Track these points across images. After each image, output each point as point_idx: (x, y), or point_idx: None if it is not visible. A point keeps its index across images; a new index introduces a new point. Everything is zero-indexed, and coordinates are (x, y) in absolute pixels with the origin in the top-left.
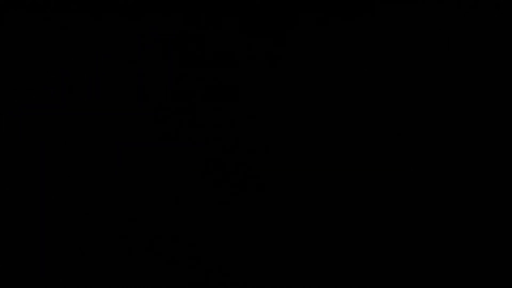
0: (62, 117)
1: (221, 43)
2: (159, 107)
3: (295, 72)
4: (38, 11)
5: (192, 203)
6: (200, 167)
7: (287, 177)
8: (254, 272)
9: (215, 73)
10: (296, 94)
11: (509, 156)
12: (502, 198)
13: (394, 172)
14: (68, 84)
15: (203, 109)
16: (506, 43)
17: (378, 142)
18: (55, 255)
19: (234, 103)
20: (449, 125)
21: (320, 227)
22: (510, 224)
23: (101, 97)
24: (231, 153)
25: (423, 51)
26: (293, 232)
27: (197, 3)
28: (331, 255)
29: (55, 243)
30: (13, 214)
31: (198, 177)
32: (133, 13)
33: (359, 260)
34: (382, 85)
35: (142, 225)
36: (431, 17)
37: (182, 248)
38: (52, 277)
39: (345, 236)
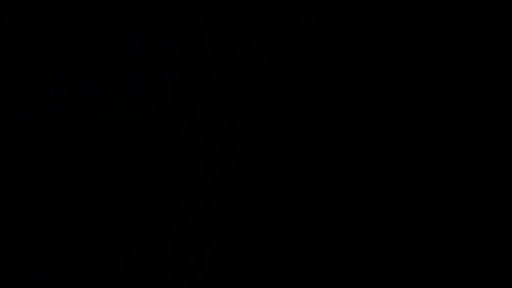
0: (62, 117)
1: (221, 43)
2: (159, 107)
3: (295, 72)
4: (38, 11)
5: (192, 203)
6: (200, 167)
7: (287, 177)
8: (255, 272)
9: (215, 73)
10: (296, 94)
11: (509, 156)
12: (502, 198)
13: (394, 172)
14: (68, 84)
15: (203, 109)
16: (506, 43)
17: (378, 142)
18: (55, 255)
19: (234, 103)
20: (449, 125)
21: (320, 227)
22: (510, 224)
23: (101, 97)
24: (231, 153)
25: (423, 51)
26: (293, 232)
27: (197, 3)
28: (331, 255)
29: (55, 243)
30: (13, 214)
31: (198, 177)
32: (133, 13)
33: (359, 260)
34: (382, 85)
35: (142, 225)
36: (431, 17)
37: (182, 248)
38: (52, 277)
39: (345, 236)
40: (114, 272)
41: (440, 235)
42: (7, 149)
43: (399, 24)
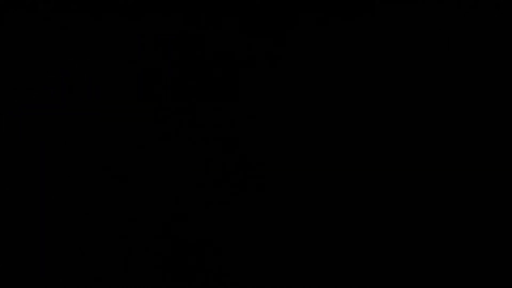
0: (62, 117)
1: (221, 43)
2: (159, 107)
3: (295, 72)
4: (38, 11)
5: (192, 203)
6: (200, 167)
7: (287, 177)
8: (254, 272)
9: (215, 73)
10: (296, 94)
11: (509, 156)
12: (502, 198)
13: (394, 172)
14: (68, 84)
15: (203, 109)
16: (506, 43)
17: (378, 142)
18: (55, 255)
19: (234, 103)
20: (449, 125)
21: (320, 227)
22: (510, 224)
23: (101, 97)
24: (231, 153)
25: (423, 51)
26: (293, 232)
27: (197, 3)
28: (331, 255)
29: (55, 243)
30: (13, 214)
31: (198, 177)
32: (133, 13)
33: (359, 260)
34: (382, 85)
35: (142, 225)
36: (431, 17)
37: (182, 248)
38: (52, 277)
39: (345, 235)
40: (114, 272)
41: (440, 235)
42: (7, 149)
43: (399, 24)
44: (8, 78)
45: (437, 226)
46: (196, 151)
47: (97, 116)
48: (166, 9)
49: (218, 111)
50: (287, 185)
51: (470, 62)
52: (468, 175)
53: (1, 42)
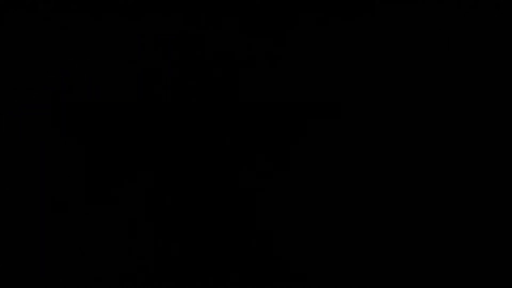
0: (62, 117)
1: (221, 43)
2: (159, 107)
3: (295, 72)
4: (38, 11)
5: (191, 203)
6: (199, 167)
7: (287, 177)
8: (254, 272)
9: (215, 73)
10: (296, 94)
11: (509, 156)
12: (502, 198)
13: (394, 172)
14: (68, 84)
15: (203, 109)
16: (506, 43)
17: (378, 142)
18: (55, 255)
19: (234, 103)
20: (449, 125)
21: (320, 227)
22: (510, 224)
23: (101, 97)
24: (231, 153)
25: (423, 51)
26: (294, 232)
27: (197, 3)
28: (331, 255)
29: (55, 243)
30: (13, 214)
31: (197, 177)
32: (133, 13)
33: (359, 260)
34: (382, 85)
35: (142, 225)
36: (431, 17)
37: (182, 248)
38: (52, 277)
39: (345, 236)
40: (114, 272)
41: (440, 235)
42: (7, 149)
43: (399, 24)
44: (8, 78)
45: (437, 226)
46: (196, 151)
47: (97, 116)
48: (166, 9)
49: (218, 111)
50: (288, 185)
51: (470, 62)
52: (468, 175)
53: (1, 42)
